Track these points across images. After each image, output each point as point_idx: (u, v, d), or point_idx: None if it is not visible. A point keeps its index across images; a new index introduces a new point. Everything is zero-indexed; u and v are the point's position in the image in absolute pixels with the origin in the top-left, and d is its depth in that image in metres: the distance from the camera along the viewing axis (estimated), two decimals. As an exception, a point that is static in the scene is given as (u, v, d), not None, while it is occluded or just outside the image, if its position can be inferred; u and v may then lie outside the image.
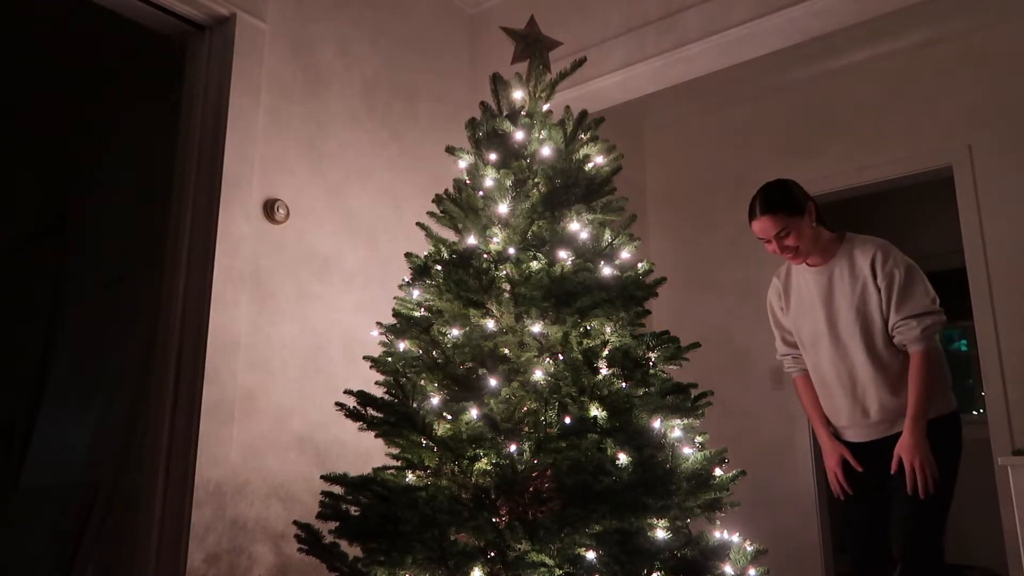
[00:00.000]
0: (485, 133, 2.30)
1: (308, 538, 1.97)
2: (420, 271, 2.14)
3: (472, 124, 2.35)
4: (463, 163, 2.32)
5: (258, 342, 2.71)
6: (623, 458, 1.84)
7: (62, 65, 4.25)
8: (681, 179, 4.78)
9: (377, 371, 2.14)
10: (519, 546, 1.73)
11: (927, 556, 2.32)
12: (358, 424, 2.01)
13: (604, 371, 1.95)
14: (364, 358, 2.17)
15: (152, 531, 2.49)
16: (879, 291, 2.42)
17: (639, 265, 2.20)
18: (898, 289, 2.39)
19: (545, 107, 2.39)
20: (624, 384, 1.94)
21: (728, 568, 1.94)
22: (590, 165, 2.26)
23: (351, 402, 2.00)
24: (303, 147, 2.99)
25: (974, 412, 5.18)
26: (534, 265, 2.03)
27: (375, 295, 3.04)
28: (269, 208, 2.81)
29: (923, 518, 2.32)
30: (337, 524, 1.94)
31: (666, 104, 4.49)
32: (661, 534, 1.86)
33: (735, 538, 2.01)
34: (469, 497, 1.86)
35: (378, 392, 2.06)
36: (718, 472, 1.99)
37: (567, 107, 2.32)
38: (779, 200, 2.46)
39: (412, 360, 2.07)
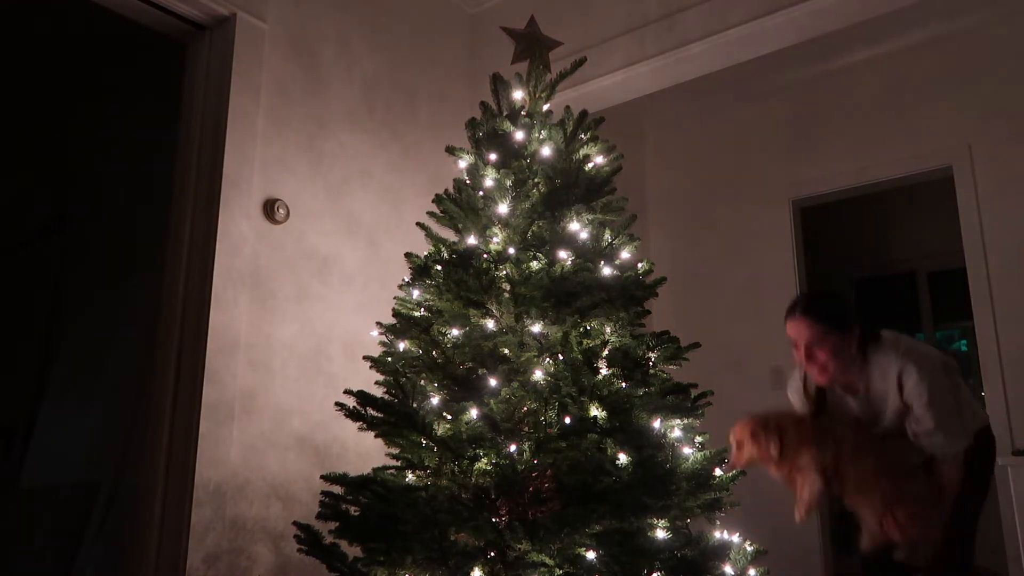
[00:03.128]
0: (485, 133, 2.30)
1: (308, 539, 1.97)
2: (420, 271, 2.14)
3: (472, 124, 2.35)
4: (463, 163, 2.32)
5: (258, 342, 2.71)
6: (623, 458, 1.84)
7: (62, 65, 4.25)
8: (681, 179, 4.77)
9: (377, 371, 2.14)
10: (519, 546, 1.73)
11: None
12: (358, 424, 2.01)
13: (604, 371, 1.95)
14: (364, 358, 2.17)
15: (152, 531, 2.48)
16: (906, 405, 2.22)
17: (639, 265, 2.20)
18: (926, 403, 2.17)
19: (545, 107, 2.39)
20: (624, 384, 1.94)
21: (728, 568, 1.94)
22: (590, 165, 2.26)
23: (351, 402, 2.00)
24: (303, 147, 2.99)
25: (974, 412, 5.18)
26: (534, 265, 2.03)
27: (375, 295, 3.04)
28: (269, 208, 2.81)
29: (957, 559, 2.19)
30: (337, 524, 1.94)
31: (666, 104, 4.48)
32: (661, 534, 1.86)
33: (735, 538, 2.01)
34: (469, 497, 1.86)
35: (378, 392, 2.05)
36: (718, 472, 1.99)
37: (567, 107, 2.32)
38: (825, 309, 2.26)
39: (412, 360, 2.07)
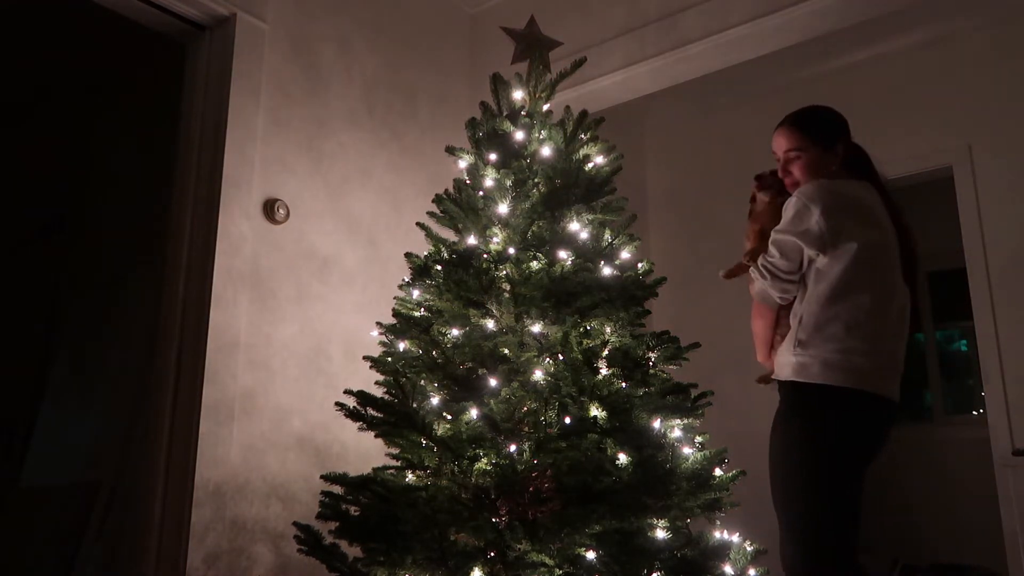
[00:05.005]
0: (485, 133, 2.30)
1: (308, 539, 1.97)
2: (420, 271, 2.14)
3: (472, 124, 2.35)
4: (463, 163, 2.32)
5: (258, 342, 2.71)
6: (623, 458, 1.84)
7: (62, 65, 4.24)
8: (681, 179, 4.77)
9: (377, 371, 2.14)
10: (519, 546, 1.73)
11: None
12: (358, 424, 2.01)
13: (604, 371, 1.95)
14: (364, 358, 2.17)
15: (152, 531, 2.48)
16: None
17: (639, 265, 2.21)
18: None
19: (545, 107, 2.39)
20: (624, 384, 1.94)
21: (728, 568, 1.94)
22: (590, 165, 2.26)
23: (351, 402, 2.01)
24: (303, 147, 2.99)
25: (974, 412, 5.18)
26: (534, 265, 2.03)
27: (375, 295, 3.04)
28: (269, 208, 2.81)
29: (788, 534, 1.85)
30: (337, 524, 1.94)
31: (666, 104, 4.48)
32: (661, 534, 1.86)
33: (735, 538, 2.01)
34: (469, 497, 1.86)
35: (378, 392, 2.06)
36: (718, 472, 1.99)
37: (567, 107, 2.32)
38: (806, 120, 2.04)
39: (412, 360, 2.07)
